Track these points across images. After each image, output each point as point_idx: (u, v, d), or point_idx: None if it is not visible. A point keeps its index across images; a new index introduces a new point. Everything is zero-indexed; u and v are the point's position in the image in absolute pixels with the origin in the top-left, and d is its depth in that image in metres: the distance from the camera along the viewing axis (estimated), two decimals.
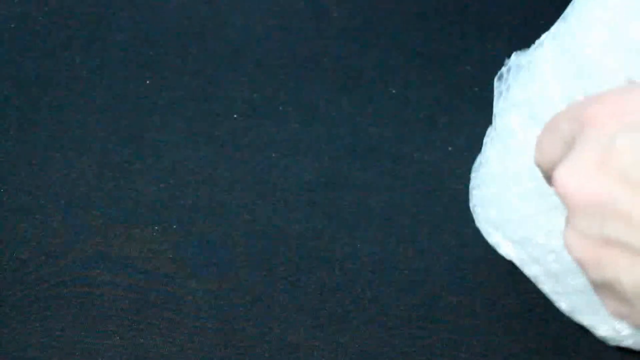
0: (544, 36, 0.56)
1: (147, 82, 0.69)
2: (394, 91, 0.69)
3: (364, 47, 0.71)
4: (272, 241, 0.63)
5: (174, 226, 0.63)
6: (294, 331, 0.60)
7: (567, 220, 0.39)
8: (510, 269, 0.62)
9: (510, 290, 0.62)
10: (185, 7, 0.73)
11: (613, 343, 0.58)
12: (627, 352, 0.60)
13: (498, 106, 0.58)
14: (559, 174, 0.38)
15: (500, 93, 0.58)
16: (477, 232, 0.63)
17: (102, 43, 0.71)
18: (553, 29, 0.55)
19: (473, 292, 0.61)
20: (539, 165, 0.43)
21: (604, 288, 0.39)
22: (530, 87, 0.55)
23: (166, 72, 0.70)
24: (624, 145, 0.37)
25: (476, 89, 0.69)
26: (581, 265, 0.38)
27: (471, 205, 0.60)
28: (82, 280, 0.61)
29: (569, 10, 0.54)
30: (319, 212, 0.64)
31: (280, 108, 0.68)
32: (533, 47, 0.56)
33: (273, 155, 0.66)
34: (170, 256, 0.62)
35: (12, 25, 0.71)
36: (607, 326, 0.57)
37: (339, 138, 0.67)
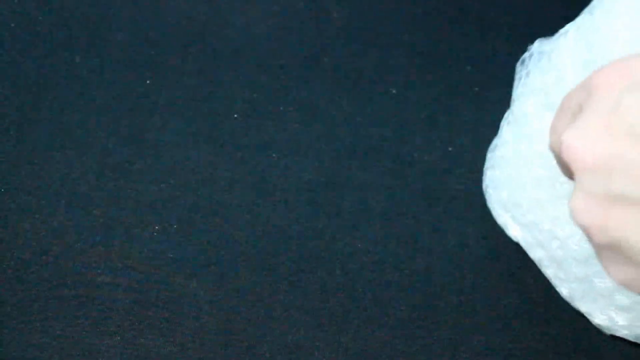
0: (568, 26, 0.56)
1: (147, 82, 0.69)
2: (394, 91, 0.69)
3: (364, 47, 0.71)
4: (273, 241, 0.63)
5: (174, 226, 0.63)
6: (294, 331, 0.60)
7: (575, 187, 0.39)
8: (511, 268, 0.62)
9: (511, 290, 0.62)
10: (185, 7, 0.73)
11: (609, 332, 0.58)
12: (627, 351, 0.60)
13: (517, 91, 0.58)
14: (566, 138, 0.38)
15: (520, 78, 0.58)
16: (477, 232, 0.63)
17: (102, 43, 0.71)
18: (578, 20, 0.55)
19: (473, 292, 0.61)
20: (552, 149, 0.43)
21: (609, 251, 0.38)
22: (549, 76, 0.55)
23: (166, 72, 0.70)
24: (631, 103, 0.37)
25: (476, 89, 0.69)
26: (587, 229, 0.38)
27: (484, 185, 0.60)
28: (82, 280, 0.61)
29: (595, 2, 0.54)
30: (320, 212, 0.64)
31: (281, 108, 0.68)
32: (557, 35, 0.56)
33: (273, 155, 0.66)
34: (171, 256, 0.62)
35: (12, 25, 0.71)
36: (604, 315, 0.57)
37: (339, 138, 0.67)
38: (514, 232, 0.59)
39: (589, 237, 0.38)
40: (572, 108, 0.41)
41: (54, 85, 0.69)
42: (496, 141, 0.60)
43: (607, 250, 0.38)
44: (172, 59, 0.70)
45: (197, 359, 0.59)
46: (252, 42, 0.71)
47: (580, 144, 0.37)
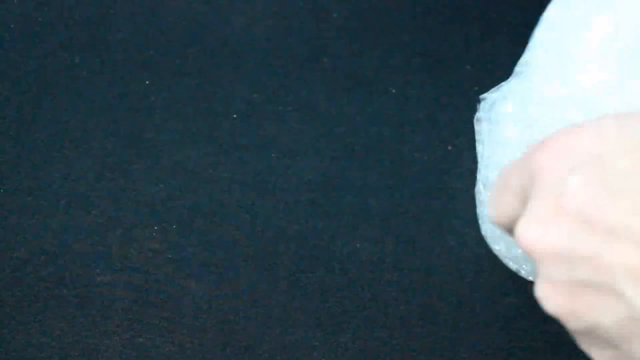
0: (504, 88, 0.56)
1: (147, 82, 0.69)
2: (393, 91, 0.69)
3: (364, 47, 0.71)
4: (272, 241, 0.63)
5: (174, 226, 0.63)
6: (293, 331, 0.60)
7: (537, 275, 0.38)
8: (511, 268, 0.62)
9: (510, 289, 0.61)
10: (185, 7, 0.73)
11: None
12: None
13: (480, 151, 0.58)
14: (519, 230, 0.37)
15: (479, 138, 0.58)
16: (476, 232, 0.63)
17: (102, 43, 0.71)
18: (513, 82, 0.55)
19: (473, 291, 0.61)
20: (497, 224, 0.42)
21: (587, 337, 0.37)
22: (503, 151, 0.55)
23: (166, 72, 0.70)
24: (576, 186, 0.36)
25: (476, 88, 0.69)
26: (559, 317, 0.37)
27: (482, 231, 0.60)
28: (82, 280, 0.61)
29: (522, 66, 0.54)
30: (319, 212, 0.64)
31: (280, 108, 0.68)
32: (501, 88, 0.56)
33: (273, 155, 0.66)
34: (170, 256, 0.62)
35: (12, 26, 0.71)
36: None
37: (338, 138, 0.67)
38: (528, 275, 0.59)
39: (563, 323, 0.37)
40: (515, 189, 0.40)
41: (54, 86, 0.69)
42: (479, 188, 0.59)
43: (584, 335, 0.37)
44: (172, 59, 0.70)
45: (196, 359, 0.59)
46: (252, 42, 0.71)
47: (534, 235, 0.37)
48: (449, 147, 0.67)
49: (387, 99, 0.69)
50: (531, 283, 0.61)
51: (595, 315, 0.36)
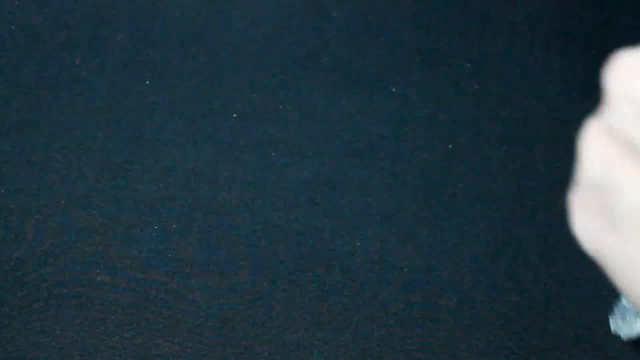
0: None
1: (147, 82, 0.69)
2: (393, 90, 0.69)
3: (364, 46, 0.71)
4: (272, 240, 0.63)
5: (174, 226, 0.63)
6: (293, 330, 0.60)
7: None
8: (511, 267, 0.62)
9: (510, 288, 0.61)
10: (185, 7, 0.73)
11: None
12: (627, 347, 0.60)
13: None
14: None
15: None
16: (477, 231, 0.63)
17: (102, 44, 0.71)
18: None
19: (473, 290, 0.61)
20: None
21: (593, 191, 0.34)
22: None
23: (166, 72, 0.70)
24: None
25: (476, 86, 0.69)
26: (583, 155, 0.33)
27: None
28: (82, 280, 0.61)
29: None
30: (319, 211, 0.64)
31: (280, 108, 0.68)
32: None
33: (273, 154, 0.66)
34: (170, 255, 0.62)
35: (13, 27, 0.71)
36: None
37: (338, 137, 0.67)
38: None
39: (581, 162, 0.34)
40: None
41: (54, 87, 0.69)
42: None
43: (592, 187, 0.34)
44: (171, 59, 0.70)
45: (196, 358, 0.59)
46: (252, 41, 0.71)
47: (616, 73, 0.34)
48: (449, 146, 0.67)
49: (387, 98, 0.69)
50: (531, 281, 0.61)
51: (623, 180, 0.32)
